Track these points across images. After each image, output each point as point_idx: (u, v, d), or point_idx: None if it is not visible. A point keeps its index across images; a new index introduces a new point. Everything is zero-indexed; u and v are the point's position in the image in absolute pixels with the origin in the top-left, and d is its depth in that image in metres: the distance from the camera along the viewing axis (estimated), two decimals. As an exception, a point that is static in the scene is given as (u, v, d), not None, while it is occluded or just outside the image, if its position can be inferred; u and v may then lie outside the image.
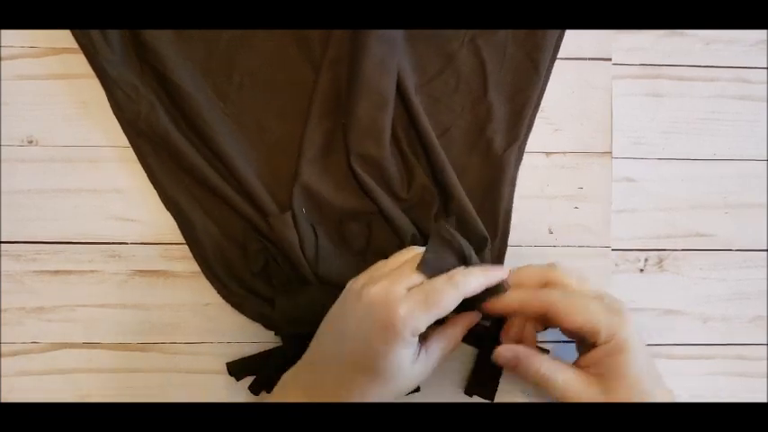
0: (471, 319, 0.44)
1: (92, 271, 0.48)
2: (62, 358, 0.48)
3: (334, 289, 0.44)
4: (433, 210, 0.48)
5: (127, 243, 0.48)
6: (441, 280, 0.40)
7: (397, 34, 0.47)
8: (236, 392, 0.48)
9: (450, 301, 0.39)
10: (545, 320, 0.42)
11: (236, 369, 0.47)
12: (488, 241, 0.47)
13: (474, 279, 0.40)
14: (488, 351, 0.47)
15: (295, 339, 0.46)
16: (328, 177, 0.48)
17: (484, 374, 0.48)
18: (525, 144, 0.49)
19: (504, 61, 0.49)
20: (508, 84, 0.49)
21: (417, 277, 0.40)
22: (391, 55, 0.46)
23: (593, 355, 0.41)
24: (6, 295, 0.48)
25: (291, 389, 0.42)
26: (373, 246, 0.48)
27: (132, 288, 0.48)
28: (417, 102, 0.48)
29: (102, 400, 0.48)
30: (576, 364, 0.42)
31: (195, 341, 0.48)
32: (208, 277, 0.48)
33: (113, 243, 0.48)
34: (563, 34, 0.50)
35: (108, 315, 0.48)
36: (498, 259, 0.49)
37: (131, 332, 0.48)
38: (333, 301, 0.43)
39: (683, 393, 0.49)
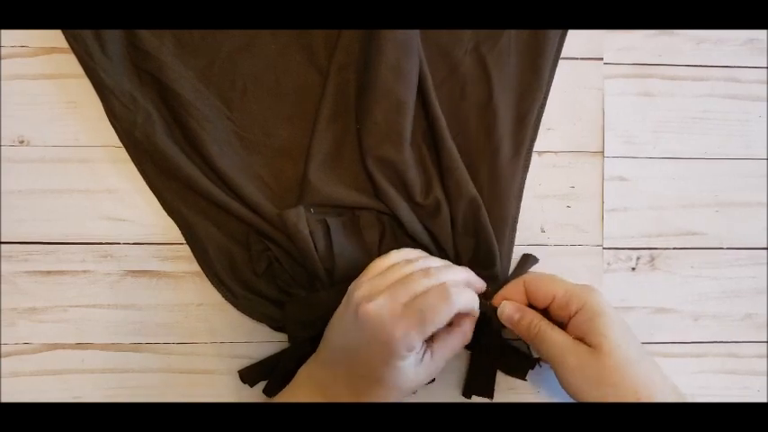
0: (476, 316, 0.45)
1: (84, 271, 0.48)
2: (54, 359, 0.48)
3: (342, 291, 0.44)
4: (444, 220, 0.47)
5: (119, 243, 0.48)
6: (434, 295, 0.41)
7: (412, 36, 0.46)
8: (229, 393, 0.48)
9: (444, 317, 0.41)
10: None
11: (249, 375, 0.48)
12: (498, 254, 0.47)
13: (466, 293, 0.42)
14: (481, 352, 0.48)
15: (303, 340, 0.46)
16: (338, 179, 0.48)
17: (480, 374, 0.48)
18: (533, 147, 0.49)
19: (508, 67, 0.49)
20: (513, 89, 0.49)
21: (414, 287, 0.41)
22: (406, 58, 0.46)
23: (573, 322, 0.43)
24: (-2, 296, 0.48)
25: (306, 386, 0.44)
26: (385, 245, 0.48)
27: (125, 288, 0.48)
28: (436, 103, 0.47)
29: (94, 400, 0.48)
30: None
31: (188, 341, 0.48)
32: (211, 280, 0.47)
33: (106, 243, 0.48)
34: (564, 37, 0.50)
35: (100, 315, 0.48)
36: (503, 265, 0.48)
37: (124, 332, 0.48)
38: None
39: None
